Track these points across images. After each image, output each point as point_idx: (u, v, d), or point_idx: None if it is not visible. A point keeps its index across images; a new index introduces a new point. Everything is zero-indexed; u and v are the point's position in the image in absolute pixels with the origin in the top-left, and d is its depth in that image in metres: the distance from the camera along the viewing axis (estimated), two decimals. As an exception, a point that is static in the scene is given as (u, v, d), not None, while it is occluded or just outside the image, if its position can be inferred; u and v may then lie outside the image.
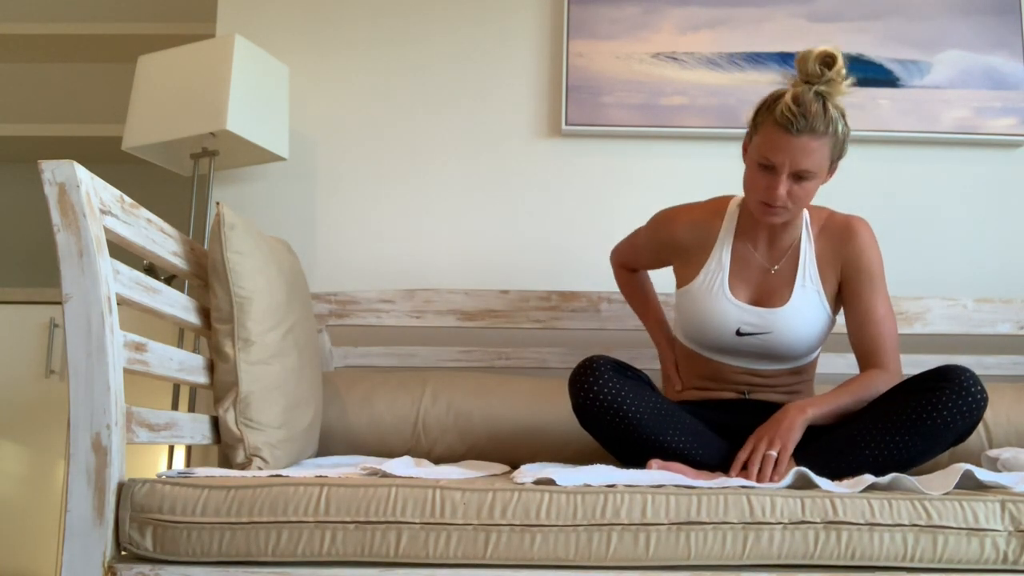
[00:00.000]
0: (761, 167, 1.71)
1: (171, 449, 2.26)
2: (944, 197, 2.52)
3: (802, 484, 1.45)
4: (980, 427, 2.03)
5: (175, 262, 1.73)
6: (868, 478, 1.46)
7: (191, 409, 2.32)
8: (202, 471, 1.52)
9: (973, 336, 2.32)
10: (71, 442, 1.35)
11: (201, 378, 1.75)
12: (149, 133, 2.30)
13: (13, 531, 2.32)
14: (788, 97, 1.67)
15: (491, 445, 2.07)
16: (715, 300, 1.84)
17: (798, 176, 1.69)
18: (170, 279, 2.27)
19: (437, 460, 2.07)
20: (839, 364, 2.28)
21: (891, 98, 2.49)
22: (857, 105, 2.48)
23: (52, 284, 2.96)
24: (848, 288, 1.84)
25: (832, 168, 1.76)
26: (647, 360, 2.21)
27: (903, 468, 1.59)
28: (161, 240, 1.67)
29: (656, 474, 1.52)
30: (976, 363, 2.30)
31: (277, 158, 2.39)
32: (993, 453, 1.81)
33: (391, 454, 2.07)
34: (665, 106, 2.50)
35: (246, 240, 1.79)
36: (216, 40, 2.28)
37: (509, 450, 2.06)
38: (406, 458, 1.84)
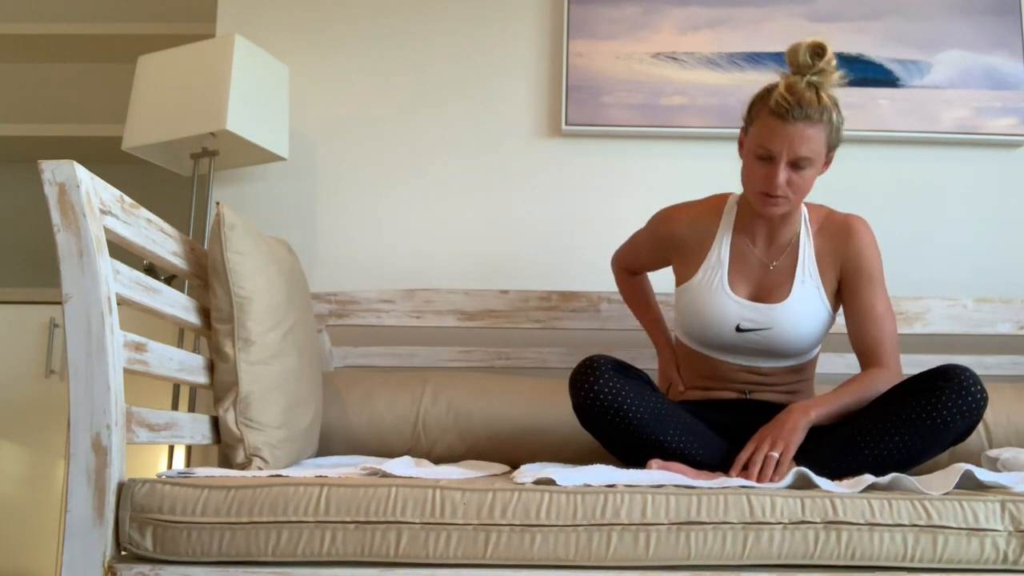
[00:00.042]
0: (759, 158, 1.73)
1: (171, 449, 2.26)
2: (944, 197, 2.52)
3: (802, 484, 1.45)
4: (980, 427, 2.03)
5: (175, 262, 1.73)
6: (868, 478, 1.46)
7: (191, 409, 2.32)
8: (202, 471, 1.52)
9: (973, 336, 2.32)
10: (71, 442, 1.35)
11: (201, 378, 1.75)
12: (149, 133, 2.30)
13: (13, 531, 2.32)
14: (782, 87, 1.69)
15: (491, 445, 2.07)
16: (715, 296, 1.85)
17: (796, 164, 1.70)
18: (170, 279, 2.27)
19: (437, 460, 2.07)
20: (839, 364, 2.28)
21: (891, 98, 2.50)
22: (857, 105, 2.48)
23: (52, 284, 2.96)
24: (847, 287, 1.84)
25: (828, 158, 1.77)
26: (647, 360, 2.21)
27: (903, 468, 1.59)
28: (161, 240, 1.67)
29: (656, 474, 1.52)
30: (976, 363, 2.30)
31: (277, 158, 2.39)
32: (993, 453, 1.81)
33: (391, 454, 2.07)
34: (665, 106, 2.50)
35: (246, 240, 1.79)
36: (216, 40, 2.29)
37: (509, 450, 2.06)
38: (406, 458, 1.84)
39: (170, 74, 2.32)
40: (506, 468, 1.93)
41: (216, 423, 1.78)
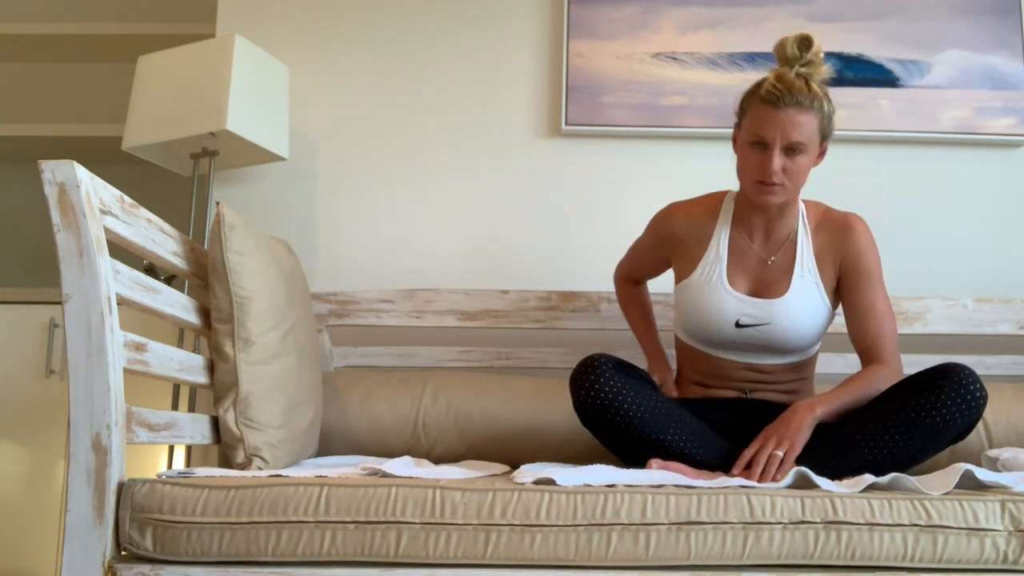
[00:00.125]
0: (753, 146, 1.75)
1: (171, 449, 2.26)
2: (944, 197, 2.52)
3: (802, 484, 1.45)
4: (980, 427, 2.03)
5: (175, 262, 1.73)
6: (868, 478, 1.46)
7: (191, 409, 2.32)
8: (202, 471, 1.52)
9: (973, 336, 2.32)
10: (71, 442, 1.35)
11: (201, 378, 1.75)
12: (149, 133, 2.30)
13: (13, 531, 2.32)
14: (772, 77, 1.74)
15: (491, 445, 2.07)
16: (714, 292, 1.85)
17: (790, 149, 1.72)
18: (170, 279, 2.27)
19: (437, 460, 2.07)
20: (839, 364, 2.28)
21: (891, 98, 2.50)
22: (857, 105, 2.48)
23: (52, 284, 2.96)
24: (847, 285, 1.85)
25: (822, 148, 1.79)
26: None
27: (903, 467, 1.59)
28: (161, 240, 1.67)
29: (656, 474, 1.53)
30: (976, 363, 2.30)
31: (277, 158, 2.39)
32: (993, 453, 1.81)
33: (391, 454, 2.07)
34: (665, 106, 2.50)
35: (246, 240, 1.79)
36: (216, 40, 2.29)
37: (509, 450, 2.06)
38: (406, 458, 1.84)
39: (170, 74, 2.32)
40: (506, 468, 1.93)
41: (216, 423, 1.78)
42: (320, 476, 1.48)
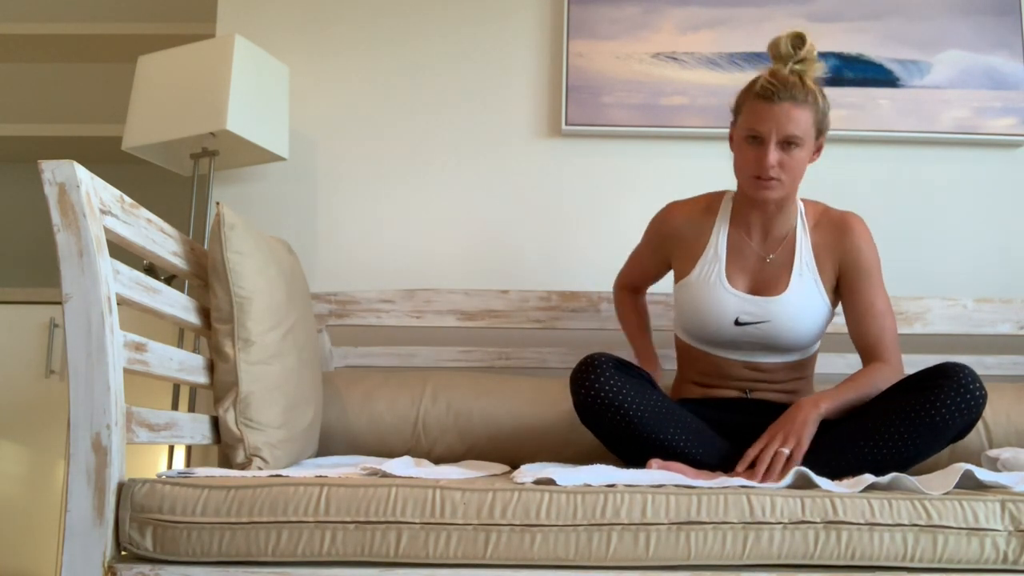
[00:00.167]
0: (749, 141, 1.76)
1: (171, 449, 2.26)
2: (944, 197, 2.52)
3: (802, 484, 1.45)
4: (980, 427, 2.02)
5: (175, 262, 1.73)
6: (868, 478, 1.46)
7: (191, 409, 2.32)
8: (202, 471, 1.52)
9: (973, 336, 2.32)
10: (71, 442, 1.35)
11: (201, 378, 1.75)
12: (149, 133, 2.30)
13: (13, 531, 2.32)
14: (766, 73, 1.76)
15: (491, 445, 2.07)
16: (713, 290, 1.85)
17: (786, 143, 1.74)
18: (170, 279, 2.27)
19: (437, 460, 2.07)
20: (839, 364, 2.28)
21: (891, 98, 2.49)
22: (857, 105, 2.48)
23: (52, 284, 2.96)
24: (846, 284, 1.85)
25: (819, 144, 1.81)
26: (647, 360, 2.21)
27: (903, 466, 1.59)
28: (161, 240, 1.67)
29: (656, 474, 1.53)
30: (976, 363, 2.30)
31: (277, 158, 2.39)
32: (993, 453, 1.81)
33: (391, 454, 2.07)
34: (665, 106, 2.50)
35: (246, 240, 1.79)
36: (216, 40, 2.29)
37: (509, 450, 2.06)
38: (406, 458, 1.84)
39: (170, 74, 2.32)
40: (506, 468, 1.93)
41: (216, 423, 1.78)
42: (320, 476, 1.48)
